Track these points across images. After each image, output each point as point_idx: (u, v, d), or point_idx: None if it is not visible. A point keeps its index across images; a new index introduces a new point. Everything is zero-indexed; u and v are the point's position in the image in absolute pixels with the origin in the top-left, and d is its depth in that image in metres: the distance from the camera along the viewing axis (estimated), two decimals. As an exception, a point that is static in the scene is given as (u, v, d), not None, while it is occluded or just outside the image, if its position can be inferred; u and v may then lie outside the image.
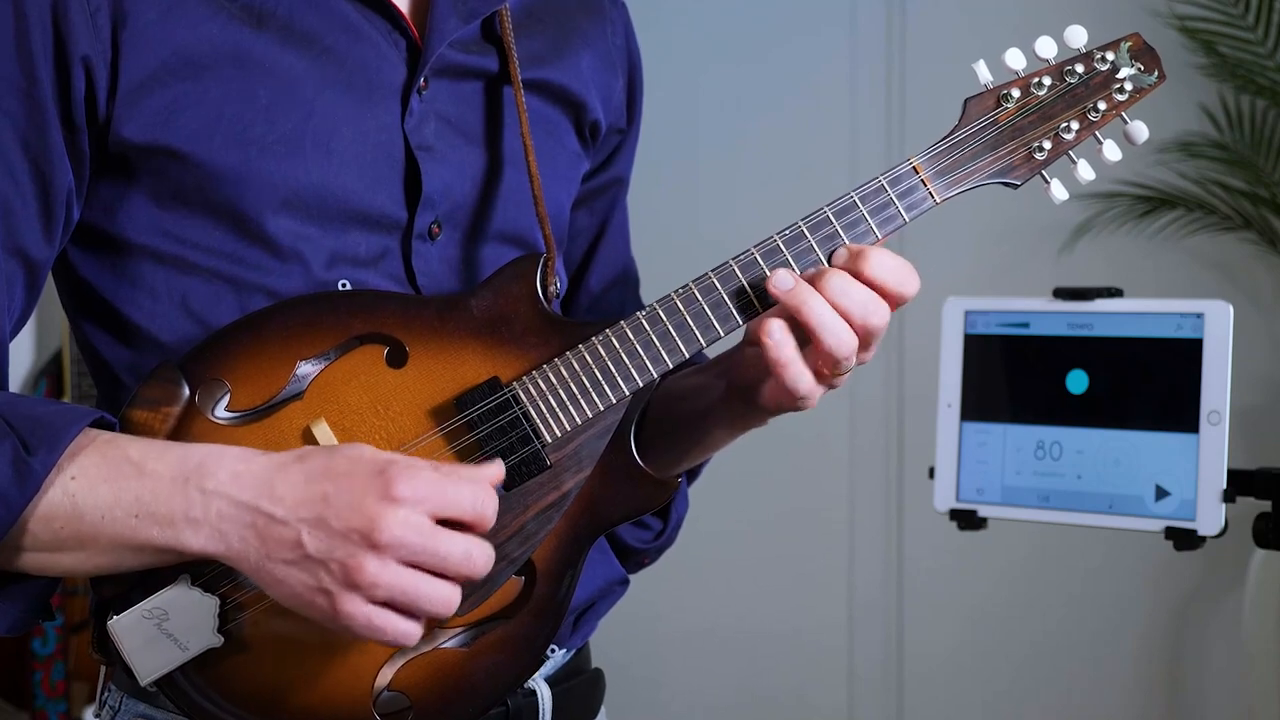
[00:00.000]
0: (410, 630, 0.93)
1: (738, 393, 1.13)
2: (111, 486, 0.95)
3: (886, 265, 1.03)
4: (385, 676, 1.01)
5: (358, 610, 0.92)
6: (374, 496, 0.91)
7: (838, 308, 1.02)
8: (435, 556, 0.92)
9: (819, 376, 1.05)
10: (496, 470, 0.98)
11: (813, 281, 1.02)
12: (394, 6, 1.08)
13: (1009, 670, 3.40)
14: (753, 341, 1.05)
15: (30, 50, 1.00)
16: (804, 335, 1.03)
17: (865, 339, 1.04)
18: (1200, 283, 3.24)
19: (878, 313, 1.03)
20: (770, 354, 1.03)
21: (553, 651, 1.18)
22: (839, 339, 1.02)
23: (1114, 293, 1.39)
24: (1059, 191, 1.09)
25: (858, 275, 1.03)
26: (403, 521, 0.91)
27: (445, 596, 0.93)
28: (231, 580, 0.98)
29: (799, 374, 1.03)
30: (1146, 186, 3.19)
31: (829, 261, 1.04)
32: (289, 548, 0.92)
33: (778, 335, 1.03)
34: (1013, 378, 1.42)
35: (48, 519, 0.95)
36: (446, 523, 0.93)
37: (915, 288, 1.04)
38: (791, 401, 1.06)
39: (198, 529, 0.94)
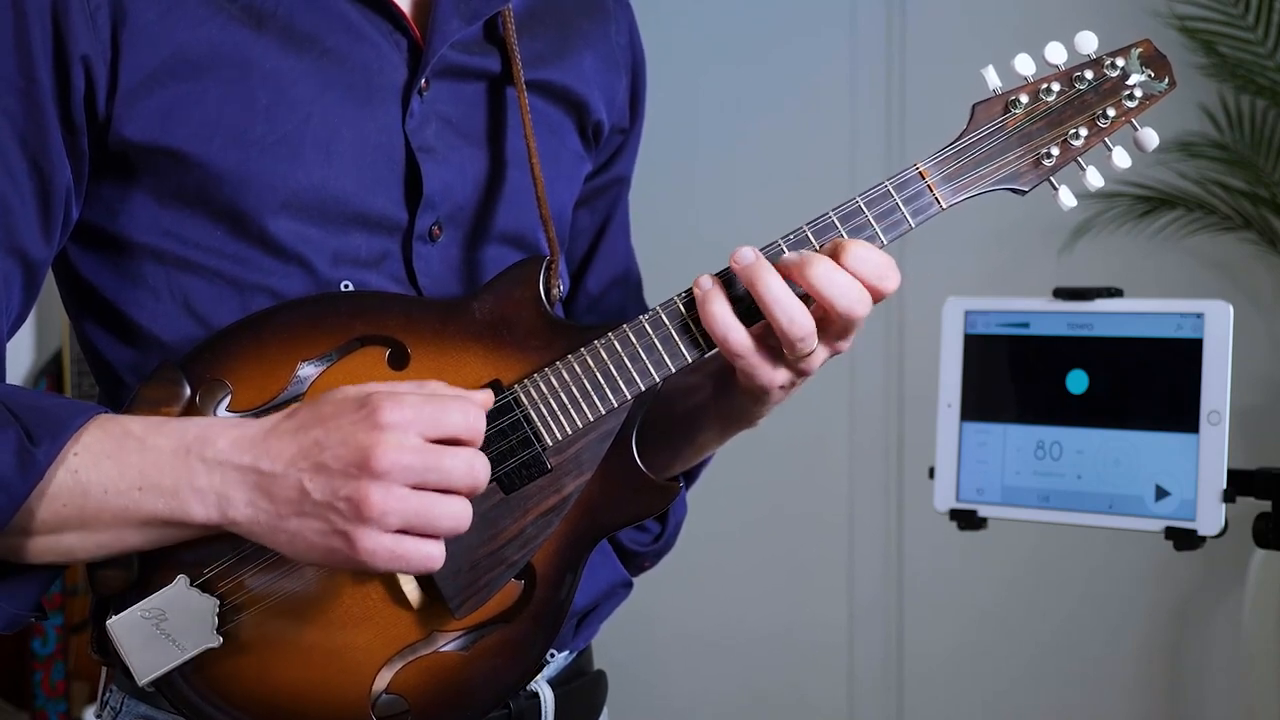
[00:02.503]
0: (433, 552, 0.93)
1: (723, 379, 1.12)
2: (115, 462, 0.95)
3: (868, 259, 1.01)
4: (384, 679, 1.01)
5: (377, 544, 0.91)
6: (363, 428, 0.91)
7: (822, 295, 1.00)
8: (438, 473, 0.92)
9: (778, 359, 1.03)
10: (484, 395, 0.99)
11: (800, 264, 1.00)
12: (395, 7, 1.08)
13: (1009, 670, 3.40)
14: None
15: (30, 49, 1.00)
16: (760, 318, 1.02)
17: (845, 328, 1.03)
18: (1200, 283, 3.23)
19: (862, 301, 1.01)
20: (698, 297, 1.01)
21: (553, 655, 1.17)
22: (790, 318, 1.00)
23: (1114, 293, 1.38)
24: (1067, 198, 1.08)
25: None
26: (397, 445, 0.91)
27: (458, 511, 0.93)
28: (230, 580, 0.98)
29: (729, 325, 1.01)
30: (1146, 186, 3.19)
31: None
32: (295, 499, 0.92)
33: (706, 284, 1.02)
34: (1013, 378, 1.42)
35: (51, 497, 0.95)
36: (440, 444, 0.93)
37: (895, 283, 1.02)
38: (744, 374, 1.04)
39: (203, 498, 0.94)
